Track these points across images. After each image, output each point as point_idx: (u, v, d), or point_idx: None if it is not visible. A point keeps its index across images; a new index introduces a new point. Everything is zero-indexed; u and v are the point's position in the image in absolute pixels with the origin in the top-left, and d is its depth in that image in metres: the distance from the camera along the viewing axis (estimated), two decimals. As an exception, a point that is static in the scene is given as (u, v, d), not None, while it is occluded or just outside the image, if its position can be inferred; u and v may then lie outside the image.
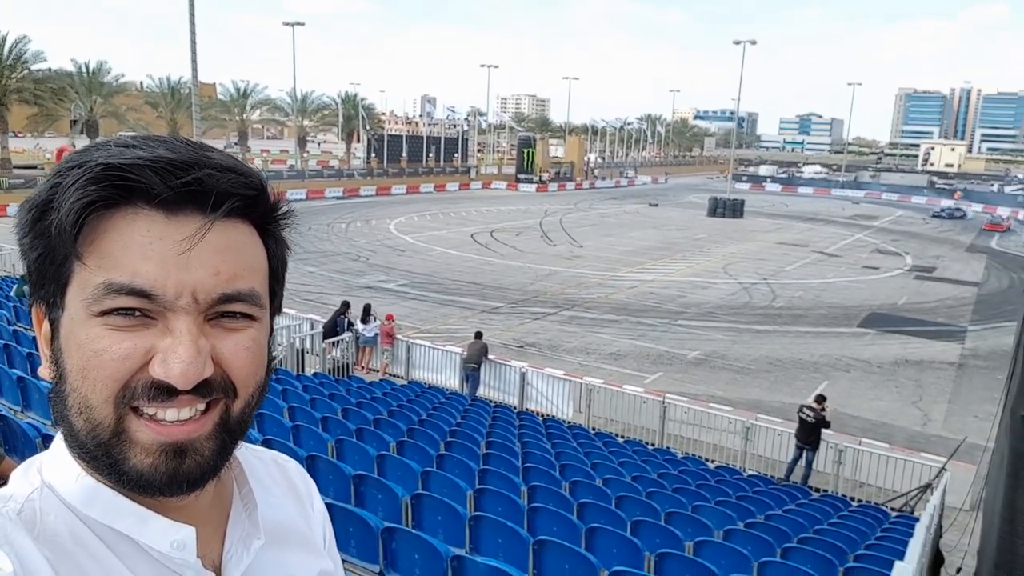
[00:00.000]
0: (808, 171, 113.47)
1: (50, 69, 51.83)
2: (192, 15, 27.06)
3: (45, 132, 59.79)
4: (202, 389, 0.70)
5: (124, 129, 62.42)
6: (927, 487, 11.90)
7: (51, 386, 0.73)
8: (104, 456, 0.70)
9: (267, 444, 7.35)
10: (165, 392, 0.68)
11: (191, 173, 0.68)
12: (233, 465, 0.83)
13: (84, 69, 52.34)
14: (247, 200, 0.73)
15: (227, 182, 0.70)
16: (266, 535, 0.85)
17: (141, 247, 0.67)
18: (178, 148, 0.70)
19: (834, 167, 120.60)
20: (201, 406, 0.70)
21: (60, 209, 0.66)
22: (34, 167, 51.53)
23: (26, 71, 48.32)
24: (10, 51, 46.82)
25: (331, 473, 6.80)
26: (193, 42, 27.59)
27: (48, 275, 0.70)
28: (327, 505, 1.06)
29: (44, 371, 0.73)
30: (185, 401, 0.69)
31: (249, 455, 0.91)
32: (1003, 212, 53.11)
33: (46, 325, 0.73)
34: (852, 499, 12.38)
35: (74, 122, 54.88)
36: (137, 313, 0.67)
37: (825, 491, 12.72)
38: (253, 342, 0.74)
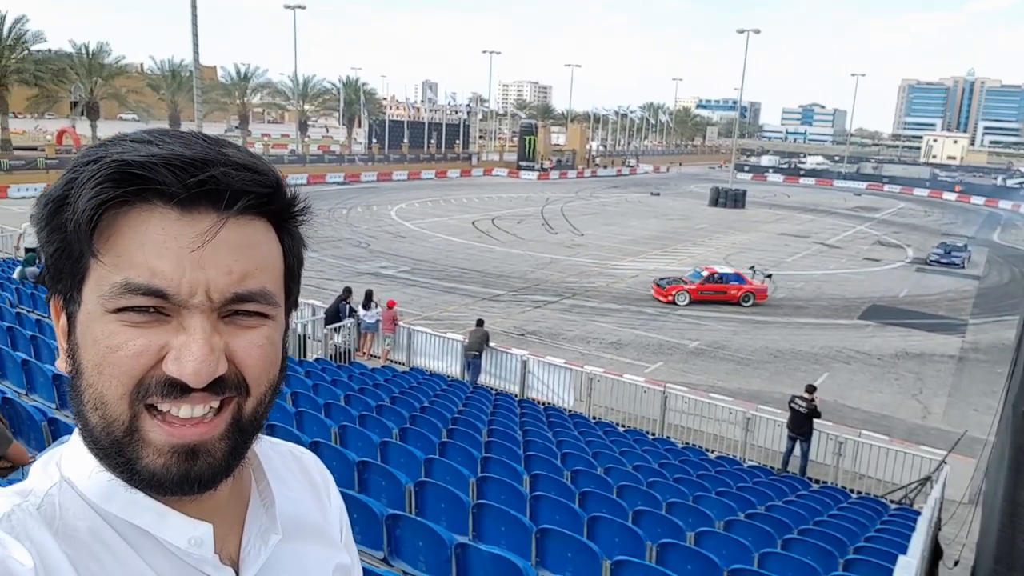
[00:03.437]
0: (810, 162, 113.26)
1: (50, 50, 51.59)
2: (194, 4, 26.93)
3: (45, 113, 59.60)
4: (215, 387, 0.69)
5: (125, 111, 62.24)
6: (927, 480, 11.95)
7: (69, 380, 0.73)
8: (118, 454, 0.70)
9: (271, 429, 7.37)
10: (179, 389, 0.68)
11: (205, 171, 0.67)
12: (251, 459, 0.82)
13: (84, 50, 51.97)
14: (262, 197, 0.72)
15: (241, 180, 0.69)
16: (283, 529, 0.85)
17: (156, 245, 0.67)
18: (194, 144, 0.70)
19: (836, 158, 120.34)
20: (215, 403, 0.70)
21: (75, 206, 0.66)
22: (34, 148, 51.38)
23: (26, 52, 47.94)
24: (10, 31, 46.45)
25: (335, 459, 6.81)
26: (195, 24, 27.45)
27: (65, 270, 0.70)
28: (331, 492, 1.06)
29: (61, 364, 0.73)
30: (199, 398, 0.69)
31: (267, 448, 0.91)
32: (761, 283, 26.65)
33: (63, 318, 0.73)
34: (852, 491, 12.43)
35: (74, 104, 54.71)
36: (152, 310, 0.67)
37: (825, 483, 12.77)
38: (267, 340, 0.73)
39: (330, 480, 1.02)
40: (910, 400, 17.95)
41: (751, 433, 13.67)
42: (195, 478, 0.71)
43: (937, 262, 36.25)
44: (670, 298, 25.45)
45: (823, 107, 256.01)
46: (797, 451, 13.34)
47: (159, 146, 0.68)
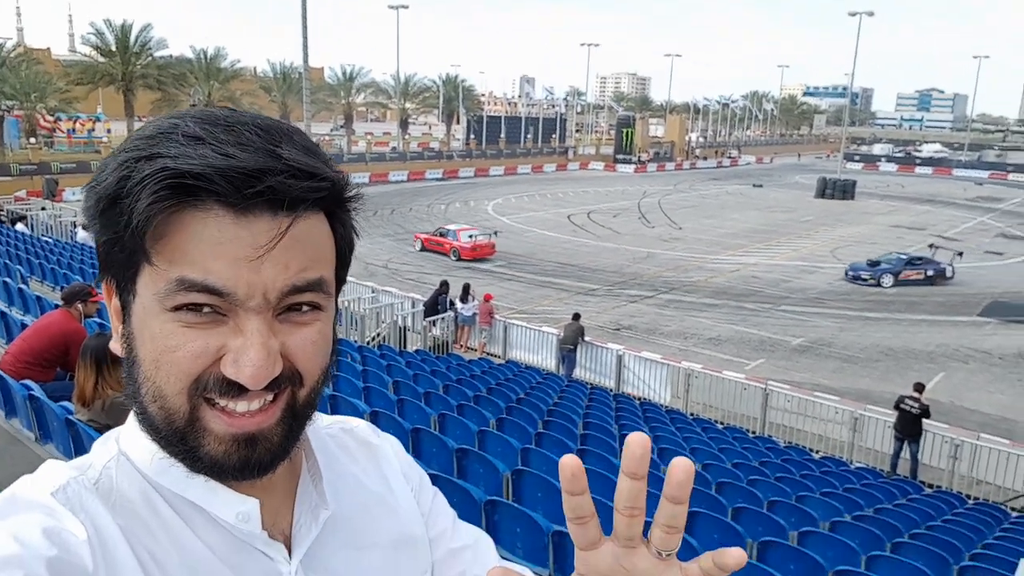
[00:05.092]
0: (927, 150, 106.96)
1: (172, 56, 54.75)
2: (304, 10, 27.98)
3: (167, 117, 63.31)
4: (271, 384, 0.71)
5: (238, 113, 65.37)
6: (1054, 488, 11.17)
7: (125, 363, 0.74)
8: (180, 442, 0.72)
9: (374, 415, 7.66)
10: (236, 388, 0.69)
11: (263, 181, 0.67)
12: (301, 439, 0.82)
13: (203, 56, 54.93)
14: (318, 201, 0.72)
15: (299, 188, 0.69)
16: (339, 504, 0.86)
17: (212, 246, 0.67)
18: (251, 143, 0.68)
19: (956, 145, 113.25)
20: (269, 397, 0.72)
21: (130, 209, 0.66)
22: (157, 150, 54.57)
23: (150, 58, 51.14)
24: (136, 39, 49.70)
25: (435, 446, 7.02)
26: (305, 29, 28.58)
27: (118, 261, 0.71)
28: (431, 476, 1.04)
29: (116, 346, 0.75)
30: (255, 395, 0.70)
31: (319, 427, 0.92)
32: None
33: (116, 300, 0.74)
34: (968, 497, 11.77)
35: (193, 106, 57.50)
36: (207, 309, 0.68)
37: (938, 487, 12.14)
38: (320, 335, 0.74)
39: (388, 439, 1.02)
40: (1036, 403, 16.78)
41: (859, 434, 13.14)
42: (255, 463, 0.72)
43: (853, 277, 27.80)
44: (415, 244, 31.03)
45: (942, 92, 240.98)
46: (905, 453, 12.75)
47: (213, 147, 0.67)
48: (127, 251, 0.69)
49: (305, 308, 0.72)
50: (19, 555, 0.62)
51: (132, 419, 0.77)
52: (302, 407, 0.75)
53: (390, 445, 1.00)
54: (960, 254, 29.10)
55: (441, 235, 30.30)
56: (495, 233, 31.37)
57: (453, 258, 29.07)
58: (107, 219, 0.69)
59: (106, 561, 0.68)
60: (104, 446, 0.79)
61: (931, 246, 29.62)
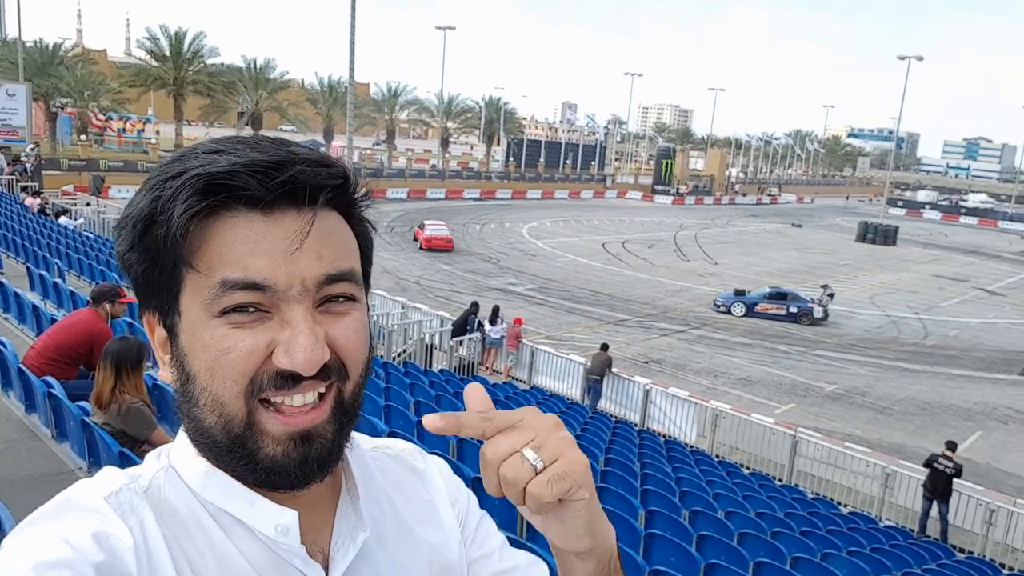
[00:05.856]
0: (973, 199, 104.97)
1: (223, 64, 56.04)
2: (353, 26, 28.37)
3: (215, 122, 64.63)
4: (321, 373, 0.73)
5: (285, 123, 66.49)
6: (1096, 563, 10.63)
7: (175, 388, 0.77)
8: (239, 448, 0.73)
9: (392, 436, 7.55)
10: (291, 380, 0.72)
11: (285, 172, 0.71)
12: (344, 456, 0.84)
13: (252, 65, 56.10)
14: (336, 189, 0.76)
15: (318, 175, 0.73)
16: (377, 528, 0.86)
17: (248, 245, 0.70)
18: (265, 148, 0.73)
19: (1003, 197, 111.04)
20: (321, 389, 0.74)
21: (168, 222, 0.69)
22: (203, 154, 55.74)
23: (201, 65, 52.40)
24: (189, 46, 50.99)
25: (451, 474, 6.85)
26: (352, 44, 28.95)
27: (159, 285, 0.74)
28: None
29: (165, 375, 0.78)
30: (308, 386, 0.73)
31: (362, 449, 0.93)
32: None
33: (160, 331, 0.77)
34: (1002, 566, 11.25)
35: (241, 114, 59.06)
36: (252, 309, 0.71)
37: (971, 552, 11.64)
38: (359, 324, 0.77)
39: (435, 462, 1.00)
40: (1079, 471, 16.11)
41: (890, 490, 12.68)
42: (313, 460, 0.75)
43: (715, 305, 27.90)
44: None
45: (990, 141, 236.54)
46: (934, 512, 12.29)
47: (234, 154, 0.72)
48: (167, 270, 0.72)
49: (341, 299, 0.75)
50: (70, 558, 0.64)
51: (182, 435, 0.79)
52: (349, 403, 0.77)
53: (437, 469, 1.00)
54: (832, 295, 28.18)
55: (420, 228, 36.81)
56: (451, 230, 37.26)
57: (418, 246, 35.06)
58: (145, 242, 0.72)
59: (150, 568, 0.70)
60: (156, 459, 0.81)
61: (823, 286, 28.78)
